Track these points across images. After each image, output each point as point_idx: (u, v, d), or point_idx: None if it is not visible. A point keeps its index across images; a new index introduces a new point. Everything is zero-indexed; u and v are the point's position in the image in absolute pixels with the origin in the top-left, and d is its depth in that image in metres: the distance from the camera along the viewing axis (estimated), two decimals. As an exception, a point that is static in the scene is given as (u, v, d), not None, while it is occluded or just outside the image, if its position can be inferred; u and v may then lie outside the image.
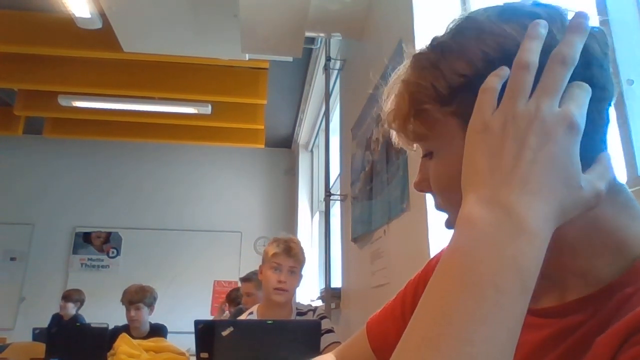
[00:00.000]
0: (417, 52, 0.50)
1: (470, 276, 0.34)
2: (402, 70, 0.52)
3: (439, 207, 0.52)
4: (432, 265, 0.69)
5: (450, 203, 0.49)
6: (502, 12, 0.45)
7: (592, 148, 0.42)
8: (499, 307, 0.33)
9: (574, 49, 0.39)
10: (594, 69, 0.42)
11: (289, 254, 1.92)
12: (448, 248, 0.37)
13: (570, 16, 0.43)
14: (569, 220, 0.38)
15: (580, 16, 0.40)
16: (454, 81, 0.44)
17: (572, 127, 0.37)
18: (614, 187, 0.45)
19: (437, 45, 0.47)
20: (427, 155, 0.51)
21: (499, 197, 0.36)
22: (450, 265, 0.36)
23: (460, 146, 0.43)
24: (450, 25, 0.48)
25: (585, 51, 0.41)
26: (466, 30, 0.46)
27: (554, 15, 0.43)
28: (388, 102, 0.54)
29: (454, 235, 0.38)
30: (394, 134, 0.55)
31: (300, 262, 1.95)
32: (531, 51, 0.39)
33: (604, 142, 0.45)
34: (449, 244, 0.37)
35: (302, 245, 2.03)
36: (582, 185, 0.37)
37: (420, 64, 0.48)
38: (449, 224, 0.51)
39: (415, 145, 0.54)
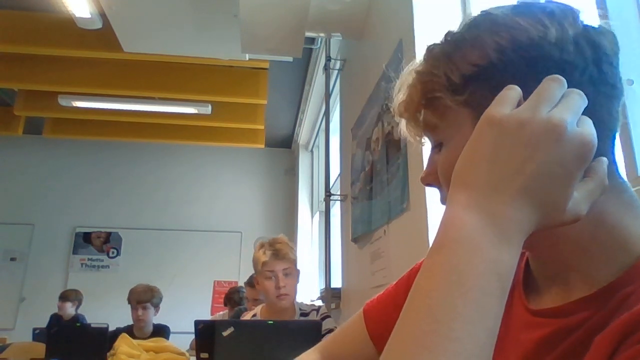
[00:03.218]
0: (430, 44, 0.51)
1: (456, 276, 0.34)
2: (414, 64, 0.53)
3: (444, 201, 0.52)
4: None
5: None
6: (516, 7, 0.46)
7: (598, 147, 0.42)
8: (483, 307, 0.34)
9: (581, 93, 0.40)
10: (604, 65, 0.43)
11: (278, 257, 1.87)
12: (434, 247, 0.37)
13: (581, 15, 0.45)
14: None
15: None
16: (467, 70, 0.45)
17: (589, 152, 0.37)
18: (618, 185, 0.45)
19: (451, 37, 0.48)
20: (437, 147, 0.51)
21: (489, 203, 0.37)
22: (436, 264, 0.36)
23: (469, 136, 0.43)
24: (466, 21, 0.49)
25: (597, 48, 0.43)
26: (480, 23, 0.47)
27: (566, 11, 0.44)
28: (400, 95, 0.54)
29: (439, 234, 0.38)
30: (403, 125, 0.56)
31: (292, 262, 1.92)
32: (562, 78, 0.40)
33: (611, 140, 0.46)
34: (434, 243, 0.37)
35: (288, 241, 1.98)
36: (566, 209, 0.37)
37: (433, 54, 0.49)
38: None
39: (423, 138, 0.55)
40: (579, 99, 0.39)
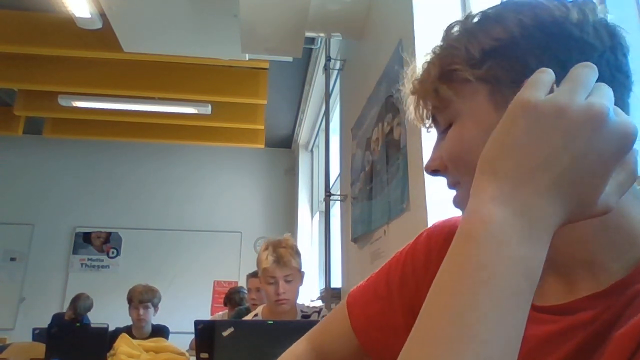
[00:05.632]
0: (451, 23, 0.51)
1: (482, 274, 0.32)
2: (434, 47, 0.53)
3: (451, 185, 0.51)
4: (422, 241, 0.69)
5: (465, 172, 0.47)
6: None
7: None
8: (511, 308, 0.32)
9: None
10: (619, 54, 0.43)
11: (279, 264, 1.84)
12: (458, 240, 0.35)
13: (598, 8, 0.46)
14: None
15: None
16: (488, 45, 0.45)
17: (630, 144, 0.34)
18: None
19: (473, 15, 0.49)
20: (444, 132, 0.50)
21: (520, 195, 0.34)
22: (460, 260, 0.34)
23: (484, 113, 0.44)
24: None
25: (614, 36, 0.43)
26: (505, 4, 0.48)
27: (587, 2, 0.45)
28: (414, 76, 0.54)
29: (464, 227, 0.35)
30: (412, 108, 0.54)
31: (294, 268, 1.88)
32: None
33: None
34: (458, 236, 0.35)
35: (294, 243, 1.94)
36: (597, 202, 0.35)
37: (453, 31, 0.49)
38: (459, 201, 0.50)
39: (429, 123, 0.53)
40: (609, 90, 0.36)
